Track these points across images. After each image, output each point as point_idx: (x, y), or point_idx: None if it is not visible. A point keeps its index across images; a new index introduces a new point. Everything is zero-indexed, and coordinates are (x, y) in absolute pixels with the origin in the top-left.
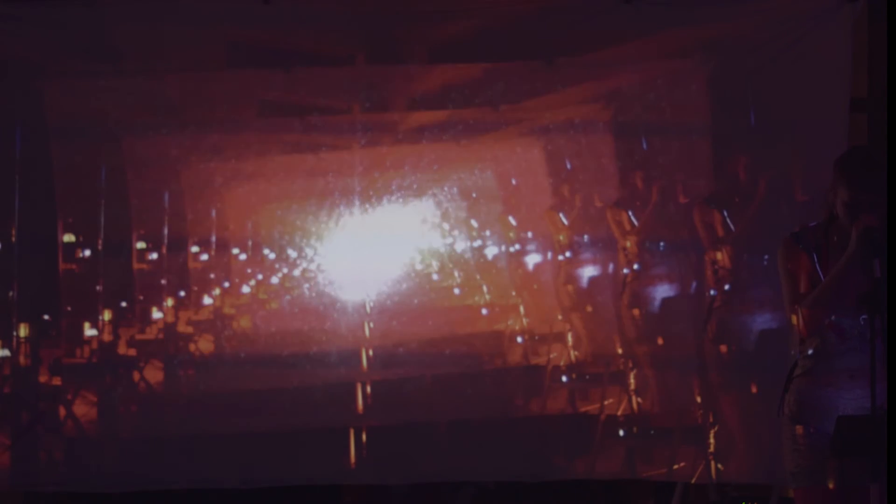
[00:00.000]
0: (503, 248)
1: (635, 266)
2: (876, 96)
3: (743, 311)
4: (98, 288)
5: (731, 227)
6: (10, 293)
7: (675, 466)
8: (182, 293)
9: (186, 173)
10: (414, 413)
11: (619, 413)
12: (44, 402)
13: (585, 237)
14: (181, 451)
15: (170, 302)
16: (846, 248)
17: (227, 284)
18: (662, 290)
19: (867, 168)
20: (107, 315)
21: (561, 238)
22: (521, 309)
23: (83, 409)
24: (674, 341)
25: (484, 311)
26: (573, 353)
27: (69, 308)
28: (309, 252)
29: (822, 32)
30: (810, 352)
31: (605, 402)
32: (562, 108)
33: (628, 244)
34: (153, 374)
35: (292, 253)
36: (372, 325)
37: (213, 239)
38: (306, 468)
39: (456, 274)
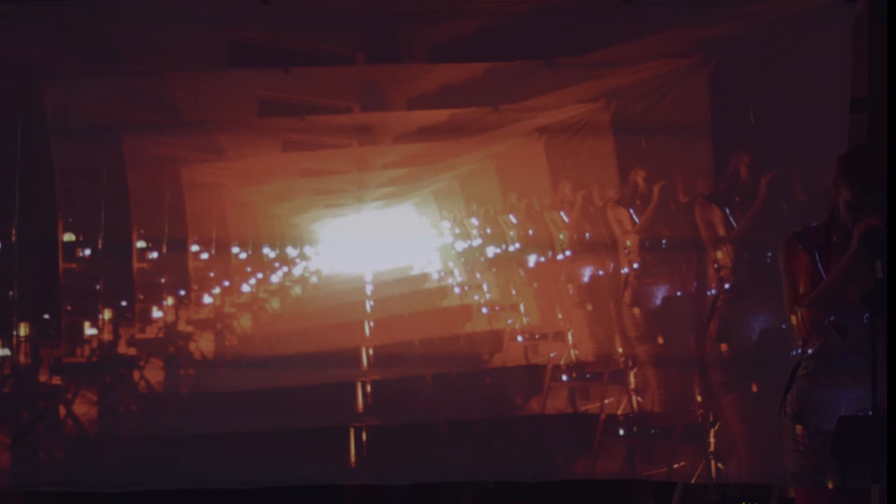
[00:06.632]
0: (503, 247)
1: (636, 265)
2: (876, 96)
3: (744, 310)
4: (98, 287)
5: (733, 225)
6: (10, 292)
7: (676, 466)
8: (182, 292)
9: (186, 173)
10: (414, 413)
11: (620, 412)
12: (44, 401)
13: (586, 235)
14: (181, 451)
15: (170, 301)
16: (847, 248)
17: (227, 283)
18: (663, 289)
19: (871, 168)
20: (107, 314)
21: (561, 237)
22: (522, 308)
23: (83, 408)
24: (674, 340)
25: (484, 311)
26: (573, 353)
27: (69, 307)
28: (309, 251)
29: (822, 32)
30: (810, 351)
31: (606, 402)
32: (562, 108)
33: (629, 243)
34: (153, 373)
35: (292, 252)
36: (372, 324)
37: (214, 238)
38: (306, 468)
39: (456, 273)
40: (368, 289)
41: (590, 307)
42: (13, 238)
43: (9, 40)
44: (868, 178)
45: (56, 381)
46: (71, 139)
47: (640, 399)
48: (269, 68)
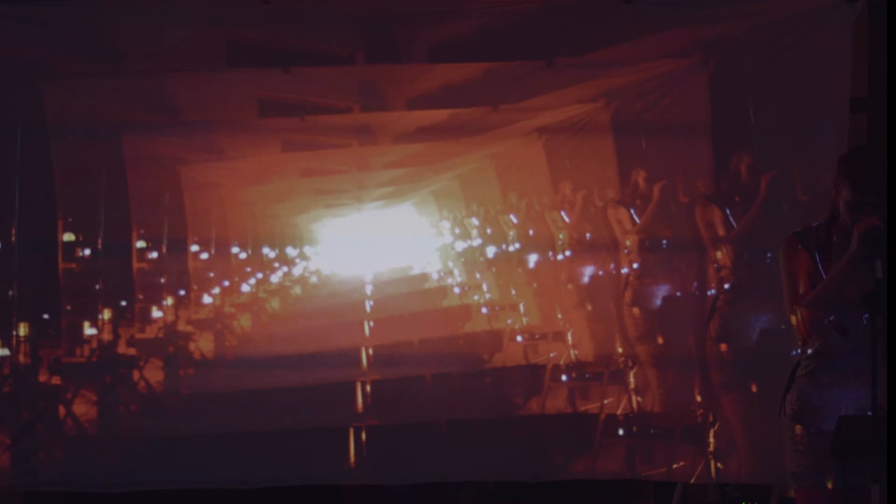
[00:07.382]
0: (503, 247)
1: (636, 265)
2: (876, 96)
3: (744, 311)
4: (98, 287)
5: (733, 225)
6: (10, 292)
7: (675, 466)
8: (182, 292)
9: (186, 173)
10: (414, 413)
11: (619, 412)
12: (43, 401)
13: (587, 235)
14: (181, 451)
15: (170, 301)
16: (847, 248)
17: (226, 283)
18: (663, 289)
19: (871, 168)
20: (106, 314)
21: (561, 237)
22: (521, 308)
23: (83, 408)
24: (674, 340)
25: (484, 311)
26: (573, 353)
27: (69, 307)
28: (309, 251)
29: (822, 32)
30: (810, 351)
31: (605, 402)
32: (562, 108)
33: (629, 243)
34: (153, 373)
35: (292, 252)
36: (372, 324)
37: (213, 238)
38: (306, 468)
39: (456, 273)
40: (368, 289)
41: (590, 307)
42: (13, 238)
43: (9, 40)
44: (868, 178)
45: (56, 381)
46: (71, 139)
47: (639, 399)
48: (269, 68)
